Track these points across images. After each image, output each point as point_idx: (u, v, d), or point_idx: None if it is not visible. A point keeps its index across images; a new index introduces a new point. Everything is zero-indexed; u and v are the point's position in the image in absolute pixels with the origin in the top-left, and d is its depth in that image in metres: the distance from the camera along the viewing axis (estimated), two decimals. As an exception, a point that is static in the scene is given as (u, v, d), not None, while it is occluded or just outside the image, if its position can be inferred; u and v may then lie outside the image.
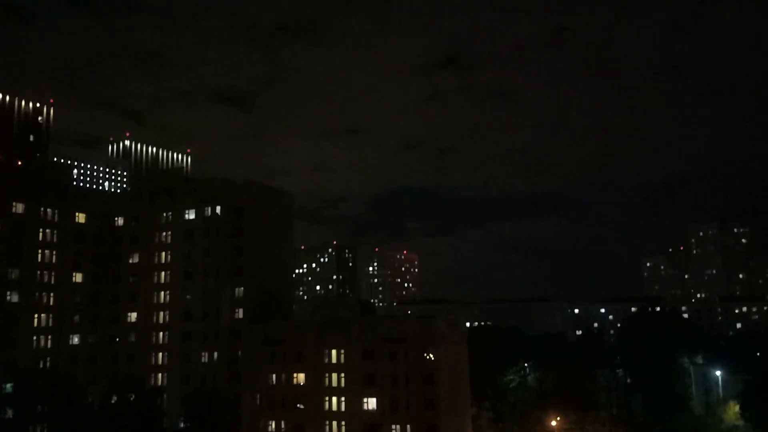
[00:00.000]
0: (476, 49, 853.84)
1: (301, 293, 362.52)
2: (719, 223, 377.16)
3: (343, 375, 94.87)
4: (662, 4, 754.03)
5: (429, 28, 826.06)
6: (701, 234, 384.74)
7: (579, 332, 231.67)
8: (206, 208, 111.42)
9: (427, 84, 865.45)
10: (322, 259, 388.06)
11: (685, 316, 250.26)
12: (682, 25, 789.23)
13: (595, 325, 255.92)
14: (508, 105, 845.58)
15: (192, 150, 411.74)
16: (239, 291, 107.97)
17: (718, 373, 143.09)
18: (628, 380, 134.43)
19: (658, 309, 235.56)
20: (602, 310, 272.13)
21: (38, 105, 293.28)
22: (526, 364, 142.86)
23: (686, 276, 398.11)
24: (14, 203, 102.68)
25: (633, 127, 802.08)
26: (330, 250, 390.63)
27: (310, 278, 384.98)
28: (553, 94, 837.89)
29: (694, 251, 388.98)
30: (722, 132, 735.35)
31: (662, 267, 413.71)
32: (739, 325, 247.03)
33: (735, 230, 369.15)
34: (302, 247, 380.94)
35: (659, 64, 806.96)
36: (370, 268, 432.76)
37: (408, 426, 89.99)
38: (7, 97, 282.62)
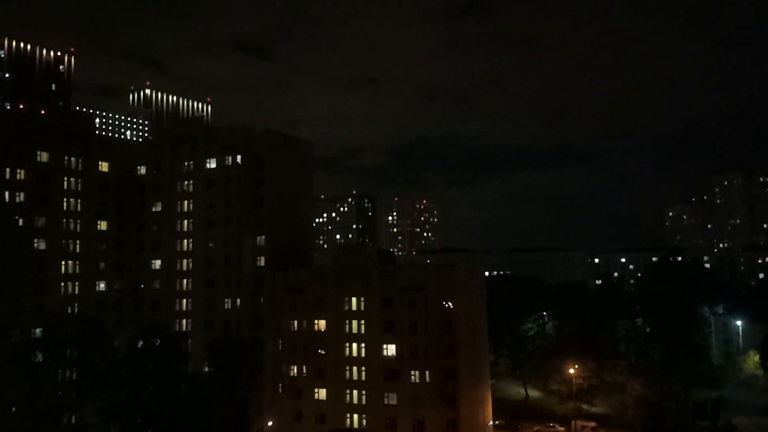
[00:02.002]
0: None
1: (321, 242, 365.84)
2: (744, 172, 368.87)
3: (363, 322, 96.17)
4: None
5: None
6: (725, 183, 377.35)
7: (599, 282, 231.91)
8: (227, 157, 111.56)
9: (447, 32, 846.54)
10: (341, 209, 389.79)
11: (707, 266, 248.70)
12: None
13: (616, 274, 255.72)
14: (530, 53, 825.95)
15: (212, 99, 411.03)
16: (260, 239, 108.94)
17: (738, 322, 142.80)
18: (648, 329, 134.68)
19: (679, 259, 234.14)
20: (623, 260, 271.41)
21: (59, 54, 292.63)
22: (544, 313, 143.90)
23: (709, 226, 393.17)
24: (39, 152, 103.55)
25: (657, 75, 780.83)
26: (350, 199, 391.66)
27: (330, 227, 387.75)
28: (576, 42, 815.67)
29: (718, 201, 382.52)
30: (749, 79, 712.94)
31: (685, 217, 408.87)
32: (761, 275, 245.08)
33: (760, 179, 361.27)
34: (322, 197, 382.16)
35: (685, 11, 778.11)
36: (390, 218, 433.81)
37: (427, 372, 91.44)
38: (29, 46, 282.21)
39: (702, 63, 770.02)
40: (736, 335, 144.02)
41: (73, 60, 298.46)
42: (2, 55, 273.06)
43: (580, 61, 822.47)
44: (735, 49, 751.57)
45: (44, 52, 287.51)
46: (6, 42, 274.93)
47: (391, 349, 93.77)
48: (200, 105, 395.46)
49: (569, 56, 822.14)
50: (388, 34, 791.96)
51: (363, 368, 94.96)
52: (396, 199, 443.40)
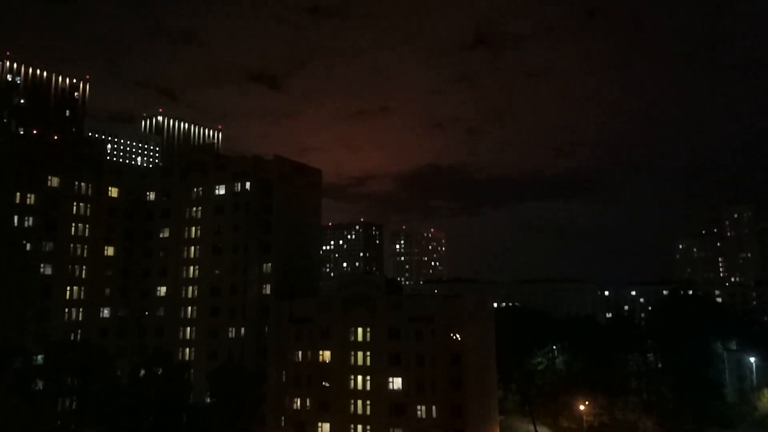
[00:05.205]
0: (506, 30, 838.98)
1: (327, 270, 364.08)
2: (754, 205, 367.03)
3: (368, 354, 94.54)
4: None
5: (459, 8, 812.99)
6: (736, 216, 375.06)
7: (609, 315, 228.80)
8: (236, 184, 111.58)
9: (457, 64, 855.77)
10: (349, 237, 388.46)
11: (719, 300, 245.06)
12: (715, 5, 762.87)
13: (626, 307, 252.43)
14: (539, 85, 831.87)
15: (223, 127, 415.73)
16: (267, 267, 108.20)
17: (752, 359, 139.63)
18: (660, 365, 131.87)
19: (690, 292, 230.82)
20: (633, 293, 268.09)
21: (74, 81, 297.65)
22: (554, 347, 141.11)
23: (720, 259, 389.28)
24: (50, 177, 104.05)
25: (666, 106, 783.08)
26: (357, 227, 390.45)
27: (337, 255, 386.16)
28: (585, 74, 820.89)
29: (729, 234, 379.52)
30: (759, 112, 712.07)
31: (695, 249, 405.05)
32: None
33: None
34: (329, 224, 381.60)
35: (693, 43, 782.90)
36: (397, 246, 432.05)
37: (433, 407, 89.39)
38: (45, 74, 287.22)
39: (713, 95, 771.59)
40: (750, 372, 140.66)
41: (87, 87, 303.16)
42: (18, 82, 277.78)
43: (588, 93, 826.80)
44: (745, 80, 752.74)
45: (60, 79, 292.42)
46: (23, 69, 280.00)
47: (397, 382, 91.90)
48: (211, 132, 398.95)
49: (578, 88, 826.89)
50: (398, 66, 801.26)
51: (368, 402, 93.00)
52: (404, 227, 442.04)
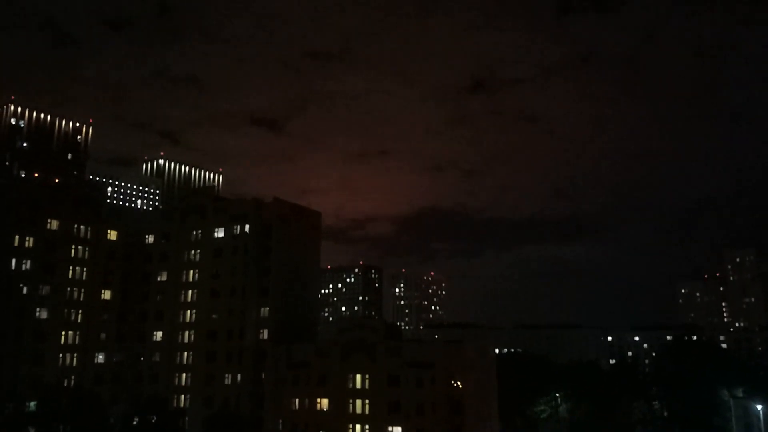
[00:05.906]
0: (503, 74, 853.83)
1: (326, 314, 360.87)
2: (756, 248, 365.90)
3: (367, 401, 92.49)
4: (688, 30, 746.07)
5: (456, 53, 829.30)
6: (738, 260, 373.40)
7: (612, 361, 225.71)
8: (235, 227, 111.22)
9: (455, 107, 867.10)
10: (348, 280, 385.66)
11: (724, 345, 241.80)
12: (709, 50, 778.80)
13: (629, 353, 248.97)
14: (536, 128, 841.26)
15: (224, 170, 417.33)
16: (264, 311, 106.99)
17: (759, 407, 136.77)
18: (665, 413, 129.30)
19: (694, 338, 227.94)
20: (636, 338, 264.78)
21: (78, 125, 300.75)
22: (557, 394, 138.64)
23: (723, 304, 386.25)
24: (49, 220, 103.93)
25: (664, 149, 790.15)
26: (356, 270, 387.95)
27: (335, 299, 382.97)
28: (582, 117, 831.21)
29: (731, 278, 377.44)
30: (758, 154, 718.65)
31: (698, 294, 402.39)
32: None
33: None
34: (328, 267, 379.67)
35: (689, 86, 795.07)
36: (397, 290, 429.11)
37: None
38: (48, 117, 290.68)
39: (711, 137, 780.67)
40: (757, 420, 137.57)
41: (90, 131, 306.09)
42: (22, 125, 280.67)
43: (587, 136, 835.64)
44: (744, 124, 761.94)
45: (63, 123, 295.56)
46: (27, 113, 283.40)
47: None
48: (212, 175, 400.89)
49: (576, 131, 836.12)
50: (397, 109, 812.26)
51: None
52: (403, 270, 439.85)
